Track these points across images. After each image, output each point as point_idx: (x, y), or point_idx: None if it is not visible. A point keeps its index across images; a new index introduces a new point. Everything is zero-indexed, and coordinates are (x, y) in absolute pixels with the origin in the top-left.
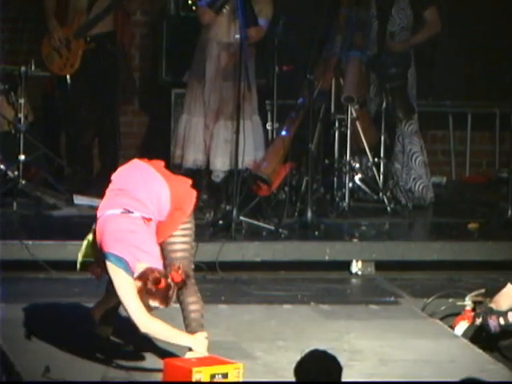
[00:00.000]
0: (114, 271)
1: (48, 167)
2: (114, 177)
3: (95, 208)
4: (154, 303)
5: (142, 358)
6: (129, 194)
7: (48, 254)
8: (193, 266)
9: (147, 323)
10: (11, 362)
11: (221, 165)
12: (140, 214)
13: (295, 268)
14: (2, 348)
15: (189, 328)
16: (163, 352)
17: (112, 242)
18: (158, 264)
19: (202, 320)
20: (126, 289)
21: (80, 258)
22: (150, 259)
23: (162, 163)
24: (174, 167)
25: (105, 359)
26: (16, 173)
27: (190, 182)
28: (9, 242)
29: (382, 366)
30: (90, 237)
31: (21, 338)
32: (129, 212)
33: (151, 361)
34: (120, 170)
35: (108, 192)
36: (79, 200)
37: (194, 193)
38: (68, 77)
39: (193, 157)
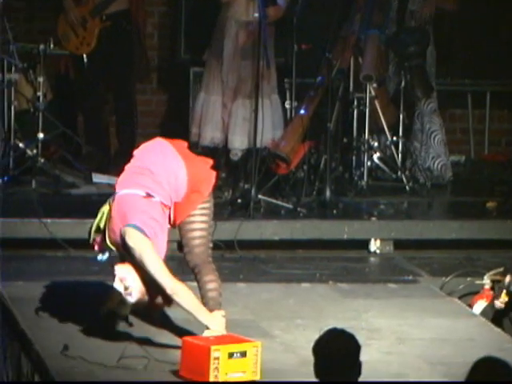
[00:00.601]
0: (137, 237)
1: (66, 146)
2: (135, 153)
3: (113, 186)
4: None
5: (160, 337)
6: (150, 175)
7: (66, 232)
8: (211, 245)
9: (175, 286)
10: (30, 340)
11: (239, 143)
12: (160, 199)
13: (313, 247)
14: (20, 325)
15: (206, 306)
16: (181, 331)
17: (137, 214)
18: (163, 253)
19: (219, 299)
20: (151, 253)
21: (94, 228)
22: (159, 251)
23: (184, 144)
24: (192, 145)
25: (123, 338)
26: (35, 151)
27: (210, 162)
28: (27, 220)
29: (399, 344)
30: (105, 209)
31: (39, 317)
32: (150, 196)
33: (169, 339)
34: (142, 146)
35: (128, 168)
36: (98, 178)
37: (213, 174)
38: (84, 56)
39: (210, 135)
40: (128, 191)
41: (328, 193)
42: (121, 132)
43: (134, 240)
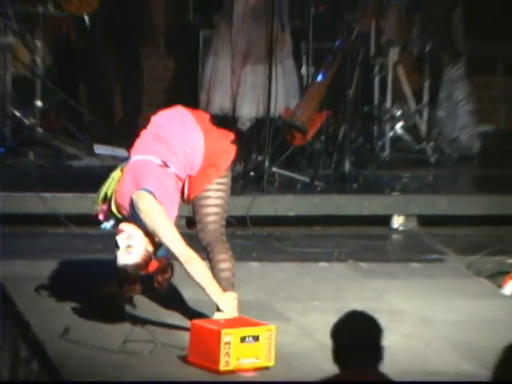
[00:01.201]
0: (150, 200)
1: (67, 114)
2: (153, 119)
3: (117, 158)
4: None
5: (168, 319)
6: (166, 144)
7: (67, 208)
8: (224, 223)
9: (189, 254)
10: (27, 322)
11: (247, 112)
12: (174, 171)
13: (331, 223)
14: (17, 307)
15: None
16: (190, 313)
17: (151, 180)
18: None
19: (232, 279)
20: (164, 217)
21: (102, 195)
22: None
23: (206, 115)
24: None
25: (128, 320)
26: (33, 120)
27: (231, 136)
28: (25, 194)
29: (422, 326)
30: (115, 174)
31: (39, 297)
32: (166, 166)
33: (177, 321)
34: (161, 113)
35: (144, 134)
36: (100, 149)
37: (232, 149)
38: (86, 17)
39: (219, 102)
40: (144, 157)
41: (347, 165)
42: (126, 100)
43: (147, 203)
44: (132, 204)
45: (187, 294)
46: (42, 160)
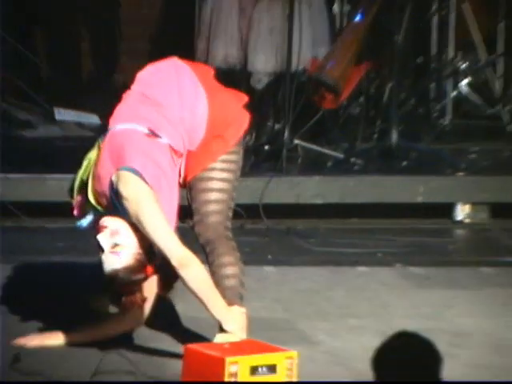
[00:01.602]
0: (134, 183)
1: (18, 68)
2: (140, 75)
3: (85, 126)
4: None
5: (153, 343)
6: (157, 107)
7: (19, 194)
8: (231, 214)
9: (186, 259)
10: None
11: (262, 64)
12: (168, 141)
13: (373, 214)
14: None
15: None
16: (182, 334)
17: (136, 155)
18: (172, 223)
19: (240, 289)
20: (152, 206)
21: (77, 184)
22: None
23: (210, 70)
24: None
25: (102, 343)
26: None
27: (243, 99)
28: None
29: (494, 354)
30: (92, 155)
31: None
32: (155, 135)
33: (165, 346)
34: (150, 67)
35: (128, 96)
36: (62, 115)
37: (245, 116)
38: None
39: (223, 51)
40: (125, 126)
41: (394, 136)
42: (96, 48)
43: (132, 187)
44: (112, 189)
45: (179, 308)
46: None
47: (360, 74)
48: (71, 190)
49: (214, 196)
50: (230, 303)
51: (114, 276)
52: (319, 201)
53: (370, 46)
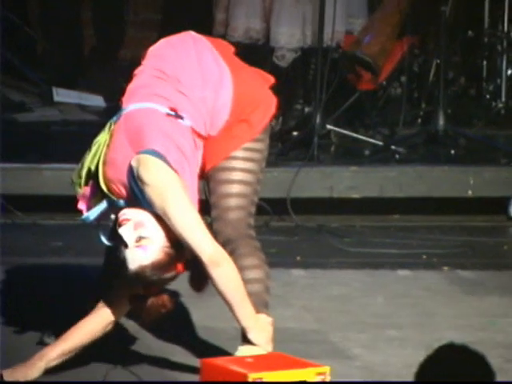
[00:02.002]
0: (159, 168)
1: (11, 43)
2: (152, 50)
3: (87, 108)
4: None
5: (164, 355)
6: (177, 85)
7: (12, 186)
8: (253, 210)
9: (219, 257)
10: None
11: (287, 39)
12: (190, 123)
13: (417, 210)
14: None
15: None
16: (199, 346)
17: (157, 137)
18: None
19: (265, 295)
20: (181, 197)
21: (84, 171)
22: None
23: (230, 47)
24: None
25: (107, 357)
26: None
27: (270, 80)
28: None
29: None
30: (102, 139)
31: None
32: (177, 116)
33: (179, 359)
34: (165, 42)
35: (141, 72)
36: (62, 96)
37: (273, 99)
38: None
39: (244, 24)
40: (142, 105)
41: (441, 121)
42: (100, 18)
43: (154, 172)
44: (132, 175)
45: (195, 317)
46: None
47: (402, 50)
48: (78, 179)
49: (235, 189)
50: (255, 311)
51: (140, 274)
52: (355, 195)
53: (414, 18)
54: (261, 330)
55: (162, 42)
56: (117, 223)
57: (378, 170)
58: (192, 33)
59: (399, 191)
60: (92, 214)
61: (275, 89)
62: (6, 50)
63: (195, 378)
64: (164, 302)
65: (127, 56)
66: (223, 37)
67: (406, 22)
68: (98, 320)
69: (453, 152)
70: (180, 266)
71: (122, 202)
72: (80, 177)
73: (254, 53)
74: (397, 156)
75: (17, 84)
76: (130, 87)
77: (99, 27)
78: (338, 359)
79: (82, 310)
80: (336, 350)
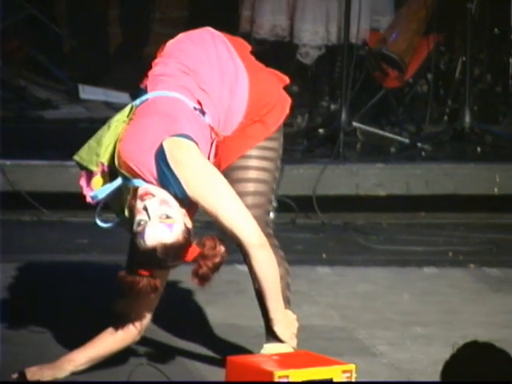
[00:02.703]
0: (196, 154)
1: (38, 39)
2: (171, 43)
3: (113, 105)
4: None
5: (189, 353)
6: (199, 81)
7: (39, 184)
8: (271, 208)
9: (265, 240)
10: None
11: (310, 36)
12: (209, 121)
13: (443, 207)
14: None
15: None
16: (222, 344)
17: (188, 127)
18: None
19: (287, 292)
20: (223, 182)
21: (102, 150)
22: None
23: (247, 45)
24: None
25: (133, 354)
26: None
27: (284, 79)
28: None
29: None
30: (121, 117)
31: None
32: (201, 112)
33: (204, 357)
34: (185, 37)
35: (165, 63)
36: (88, 93)
37: (287, 100)
38: None
39: (270, 21)
40: (171, 94)
41: (467, 118)
42: (126, 17)
43: (193, 156)
44: (162, 157)
45: (219, 315)
46: None
47: (428, 48)
48: (94, 157)
49: (251, 187)
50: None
51: (153, 252)
52: (381, 192)
53: (440, 15)
54: (288, 324)
55: (182, 36)
56: (133, 198)
57: (404, 167)
58: (210, 29)
59: (425, 188)
60: (101, 193)
61: (302, 85)
62: (33, 48)
63: (221, 375)
64: (156, 285)
65: (153, 53)
66: (249, 34)
67: (432, 19)
68: (130, 328)
69: (479, 149)
70: (192, 255)
71: (136, 181)
72: (97, 155)
73: (280, 50)
74: (423, 153)
75: (43, 81)
76: (154, 74)
77: (125, 25)
78: (363, 357)
79: (108, 309)
80: (362, 348)
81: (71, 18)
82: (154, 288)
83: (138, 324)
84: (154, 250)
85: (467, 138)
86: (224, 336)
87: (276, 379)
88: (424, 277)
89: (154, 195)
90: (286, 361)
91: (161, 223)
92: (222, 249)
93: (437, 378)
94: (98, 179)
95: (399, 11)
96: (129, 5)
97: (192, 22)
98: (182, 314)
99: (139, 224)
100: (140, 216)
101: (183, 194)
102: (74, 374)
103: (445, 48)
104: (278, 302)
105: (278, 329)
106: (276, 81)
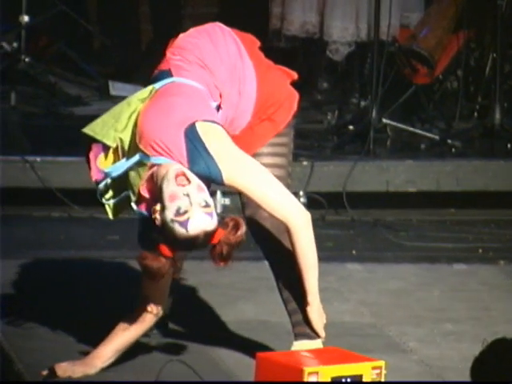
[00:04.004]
0: (231, 142)
1: (67, 36)
2: (184, 39)
3: None
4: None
5: (220, 349)
6: (213, 78)
7: (68, 180)
8: None
9: (308, 220)
10: (10, 358)
11: (340, 32)
12: (221, 117)
13: (473, 204)
14: None
15: (291, 303)
16: (254, 340)
17: (213, 111)
18: None
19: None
20: (260, 166)
21: (122, 125)
22: None
23: (255, 41)
24: (273, 36)
25: (164, 350)
26: (15, 44)
27: (293, 75)
28: (3, 158)
29: None
30: (141, 96)
31: (21, 321)
32: (217, 108)
33: (234, 353)
34: (197, 32)
35: (180, 52)
36: (118, 89)
37: (295, 96)
38: None
39: (301, 17)
40: (196, 84)
41: (498, 115)
42: (156, 13)
43: (227, 143)
44: (194, 136)
45: (249, 311)
46: (29, 105)
47: (458, 44)
48: (113, 132)
49: None
50: None
51: (195, 238)
52: (411, 188)
53: (470, 11)
54: (320, 313)
55: (193, 31)
56: (150, 178)
57: (434, 163)
58: (220, 24)
59: (455, 185)
60: (117, 169)
61: (332, 83)
62: (64, 45)
63: (250, 372)
64: (178, 267)
65: None
66: (279, 31)
67: (462, 15)
68: (147, 312)
69: (509, 146)
70: (215, 239)
71: (156, 158)
72: (116, 129)
73: (310, 47)
74: (453, 150)
75: (74, 78)
76: (175, 62)
77: (156, 21)
78: (394, 353)
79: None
80: (392, 344)
81: (102, 14)
82: (176, 269)
83: (154, 306)
84: (195, 238)
85: (497, 135)
86: (254, 332)
87: (306, 376)
88: (454, 273)
89: (190, 181)
90: (315, 357)
91: (203, 212)
92: (243, 228)
93: (467, 375)
94: (107, 156)
95: (429, 8)
96: (159, 1)
97: (222, 19)
98: (212, 311)
99: (179, 212)
100: (180, 202)
101: (216, 175)
102: (103, 369)
103: (475, 44)
104: (316, 284)
105: (312, 313)
106: (284, 77)
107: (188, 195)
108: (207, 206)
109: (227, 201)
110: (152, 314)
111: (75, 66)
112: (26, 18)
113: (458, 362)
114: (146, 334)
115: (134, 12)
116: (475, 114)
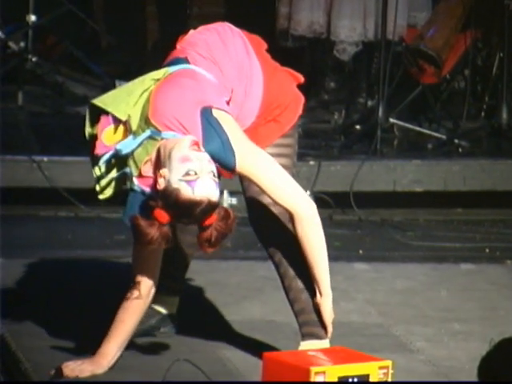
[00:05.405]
0: (243, 134)
1: (75, 35)
2: (194, 36)
3: None
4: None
5: (226, 349)
6: (223, 78)
7: (74, 180)
8: None
9: (315, 211)
10: (17, 358)
11: (347, 32)
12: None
13: (481, 203)
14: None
15: (298, 303)
16: (261, 340)
17: (219, 99)
18: None
19: None
20: (271, 158)
21: (134, 100)
22: None
23: (262, 42)
24: (280, 35)
25: (168, 349)
26: (23, 44)
27: (299, 78)
28: (11, 157)
29: None
30: (155, 76)
31: (28, 320)
32: (227, 103)
33: (241, 353)
34: (206, 30)
35: (193, 47)
36: None
37: (300, 98)
38: None
39: (308, 17)
40: (211, 77)
41: (505, 114)
42: (163, 13)
43: (239, 134)
44: (209, 117)
45: (256, 311)
46: (36, 104)
47: (465, 44)
48: (125, 106)
49: None
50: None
51: (197, 203)
52: (419, 188)
53: (477, 11)
54: (330, 308)
55: (202, 29)
56: (157, 157)
57: (442, 163)
58: (229, 24)
59: (463, 185)
60: (128, 146)
61: (339, 83)
62: (70, 44)
63: (257, 371)
64: (169, 236)
65: None
66: (286, 31)
67: (470, 15)
68: (138, 297)
69: None
70: (208, 221)
71: (167, 133)
72: (127, 104)
73: (318, 47)
74: (460, 150)
75: (81, 77)
76: (192, 53)
77: (162, 21)
78: (401, 353)
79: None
80: (399, 344)
81: (109, 14)
82: (166, 239)
83: (144, 289)
84: (197, 203)
85: (504, 134)
86: (261, 332)
87: (312, 375)
88: (461, 273)
89: (200, 150)
90: (322, 357)
91: (211, 179)
92: (232, 220)
93: (475, 375)
94: (113, 130)
95: (436, 7)
96: (166, 1)
97: (229, 18)
98: (219, 310)
99: (188, 173)
100: (191, 164)
101: (230, 156)
102: (110, 368)
103: (482, 44)
104: (327, 275)
105: (323, 305)
106: (290, 80)
107: (200, 160)
108: (215, 177)
109: (234, 200)
110: (145, 299)
111: (82, 66)
112: (33, 18)
113: (465, 362)
114: (152, 334)
115: (141, 11)
116: (482, 113)
